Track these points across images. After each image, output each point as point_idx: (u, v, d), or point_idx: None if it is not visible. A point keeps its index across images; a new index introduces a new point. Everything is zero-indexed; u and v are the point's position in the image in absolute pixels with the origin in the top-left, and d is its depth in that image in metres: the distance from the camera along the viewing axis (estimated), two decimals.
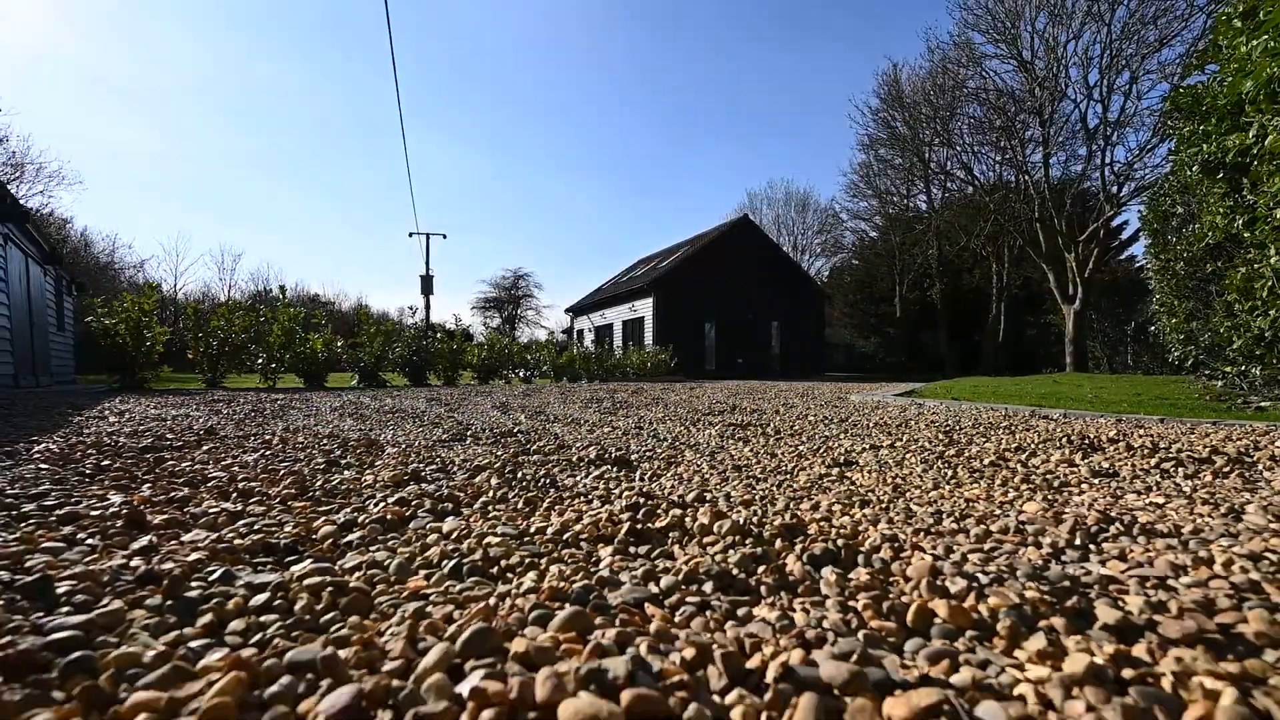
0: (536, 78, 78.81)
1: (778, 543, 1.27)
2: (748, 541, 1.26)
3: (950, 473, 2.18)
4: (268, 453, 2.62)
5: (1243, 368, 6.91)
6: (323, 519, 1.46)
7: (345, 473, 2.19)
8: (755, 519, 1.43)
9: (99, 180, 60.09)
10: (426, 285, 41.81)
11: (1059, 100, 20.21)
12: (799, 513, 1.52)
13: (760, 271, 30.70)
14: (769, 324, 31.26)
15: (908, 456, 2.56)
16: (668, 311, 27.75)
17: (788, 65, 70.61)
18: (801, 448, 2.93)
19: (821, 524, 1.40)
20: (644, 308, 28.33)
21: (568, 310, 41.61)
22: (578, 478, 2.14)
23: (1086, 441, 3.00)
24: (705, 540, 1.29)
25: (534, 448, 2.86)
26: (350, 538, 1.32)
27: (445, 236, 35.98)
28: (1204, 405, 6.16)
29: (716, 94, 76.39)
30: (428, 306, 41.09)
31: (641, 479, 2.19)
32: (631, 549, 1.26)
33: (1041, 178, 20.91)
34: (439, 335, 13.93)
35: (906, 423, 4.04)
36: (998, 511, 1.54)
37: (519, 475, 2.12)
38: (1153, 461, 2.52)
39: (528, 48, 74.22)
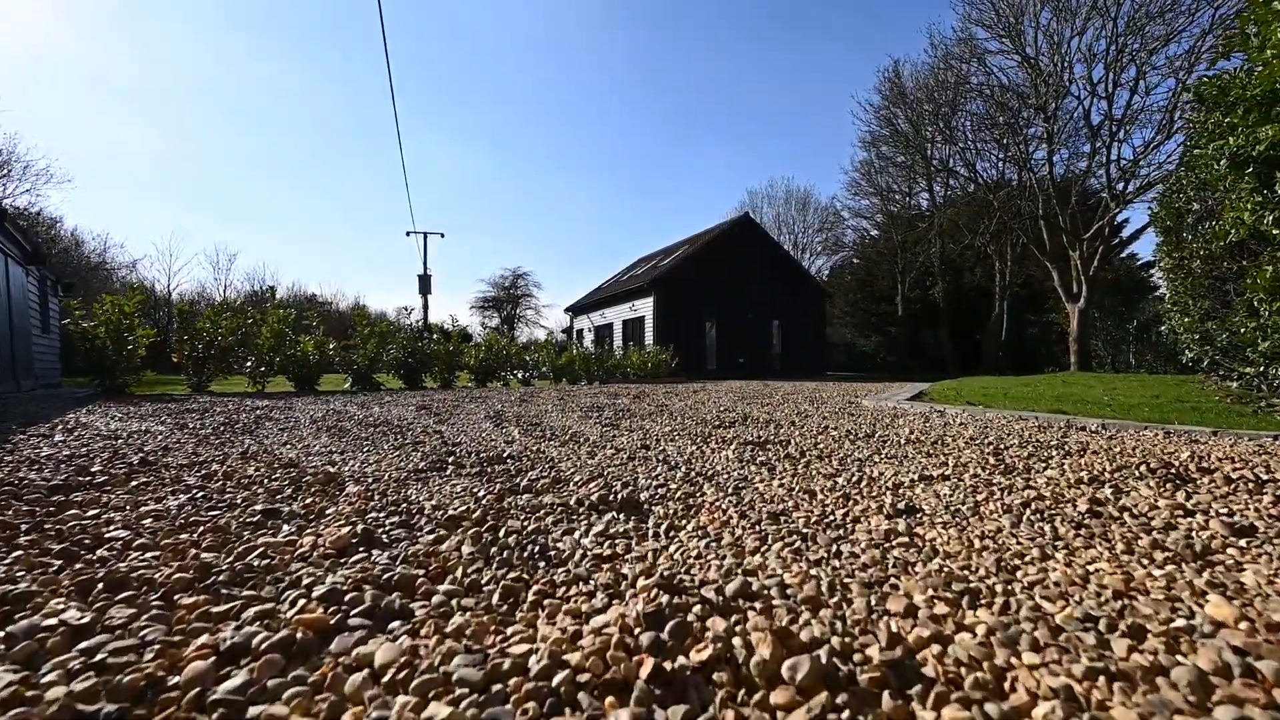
0: (536, 77, 78.12)
1: (885, 698, 0.82)
2: (842, 703, 0.81)
3: (1048, 529, 1.72)
4: (201, 494, 2.16)
5: (1263, 369, 6.66)
6: (205, 638, 1.00)
7: (283, 528, 1.73)
8: (837, 642, 0.97)
9: (99, 180, 59.41)
10: (424, 285, 41.56)
11: (1063, 96, 19.78)
12: (892, 623, 1.06)
13: (761, 270, 30.42)
14: (770, 323, 30.98)
15: (979, 501, 2.10)
16: (668, 311, 27.45)
17: (788, 65, 70.03)
18: (838, 479, 2.47)
19: (937, 654, 0.94)
20: (644, 307, 28.01)
21: (567, 310, 41.36)
22: (576, 535, 1.69)
23: (1171, 471, 2.54)
24: (775, 700, 0.83)
25: (524, 482, 2.40)
26: (223, 689, 0.86)
27: (443, 235, 35.49)
28: (1228, 409, 5.83)
29: (717, 94, 75.78)
30: (425, 306, 40.77)
31: (656, 531, 1.73)
32: (658, 711, 0.80)
33: (1046, 175, 20.48)
34: (435, 337, 13.49)
35: (941, 439, 3.57)
36: (1174, 619, 1.08)
37: (500, 535, 1.66)
38: (1267, 501, 2.08)
39: (527, 48, 73.50)
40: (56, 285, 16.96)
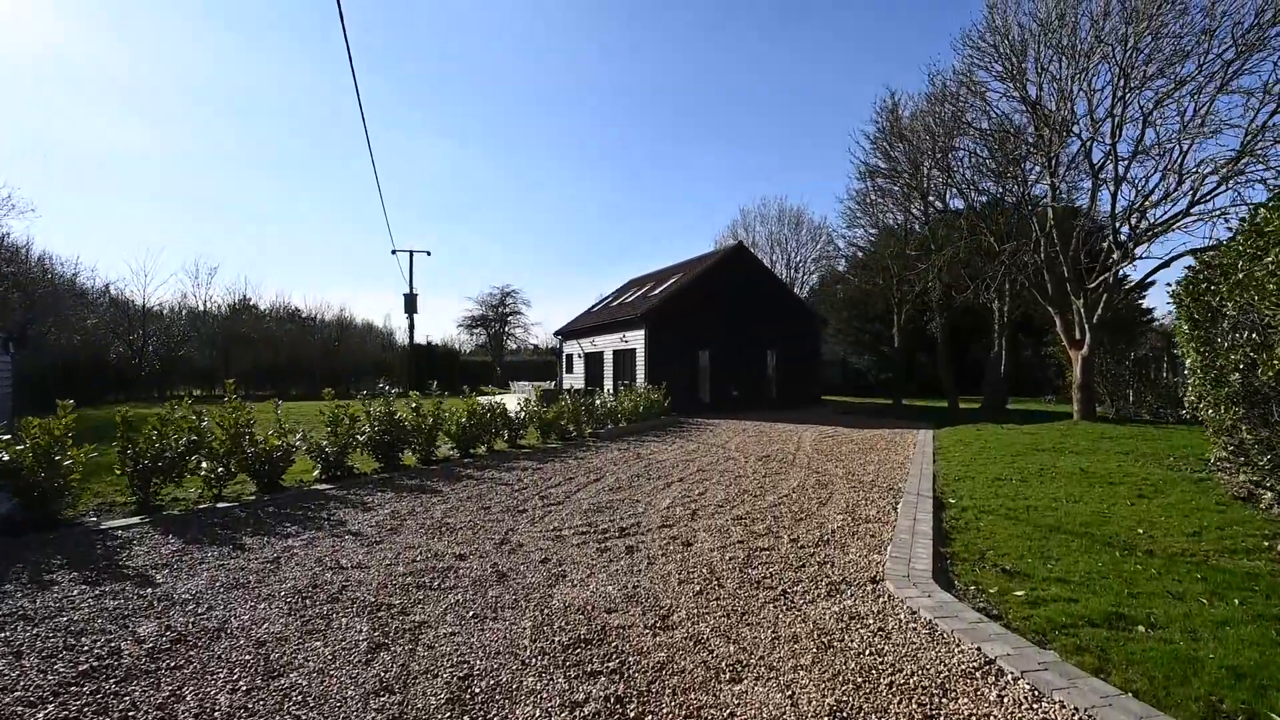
0: (533, 80, 76.96)
1: None
2: None
3: None
4: None
5: None
6: None
7: None
8: None
9: (101, 184, 57.17)
10: (410, 304, 40.51)
11: (1065, 136, 19.33)
12: None
13: (754, 299, 29.90)
14: (764, 352, 30.47)
15: None
16: (660, 343, 26.86)
17: (785, 79, 69.71)
18: None
19: None
20: (635, 339, 27.36)
21: (557, 333, 40.64)
22: None
23: None
24: None
25: None
26: None
27: (429, 254, 34.66)
28: None
29: (713, 108, 75.22)
30: (411, 326, 39.78)
31: None
32: None
33: (1048, 217, 19.98)
34: (414, 405, 12.73)
35: None
36: None
37: None
38: None
39: (526, 51, 72.43)
40: (8, 342, 15.87)
